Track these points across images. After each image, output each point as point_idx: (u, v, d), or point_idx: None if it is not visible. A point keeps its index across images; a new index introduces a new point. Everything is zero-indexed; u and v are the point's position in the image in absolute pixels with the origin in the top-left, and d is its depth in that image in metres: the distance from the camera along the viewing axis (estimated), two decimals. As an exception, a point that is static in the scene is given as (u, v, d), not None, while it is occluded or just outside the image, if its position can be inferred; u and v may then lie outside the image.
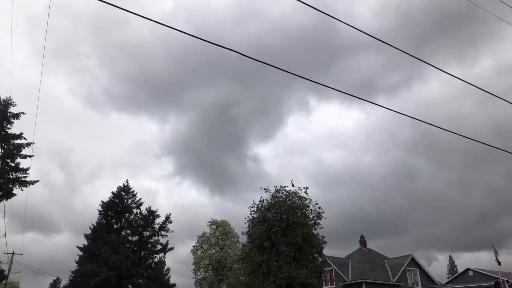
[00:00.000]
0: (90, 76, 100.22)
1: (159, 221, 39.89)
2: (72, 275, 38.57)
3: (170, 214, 40.28)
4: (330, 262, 37.36)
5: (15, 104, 29.21)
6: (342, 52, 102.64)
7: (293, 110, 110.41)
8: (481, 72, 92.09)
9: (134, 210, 40.46)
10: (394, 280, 35.59)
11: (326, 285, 36.14)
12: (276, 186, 26.20)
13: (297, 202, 25.49)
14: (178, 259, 72.09)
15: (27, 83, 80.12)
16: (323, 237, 25.42)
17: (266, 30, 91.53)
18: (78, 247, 37.68)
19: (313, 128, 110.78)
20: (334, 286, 37.34)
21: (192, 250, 46.86)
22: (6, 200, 28.45)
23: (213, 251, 45.72)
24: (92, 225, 38.44)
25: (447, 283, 47.33)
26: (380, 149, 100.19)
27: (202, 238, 46.79)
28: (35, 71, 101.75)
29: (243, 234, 26.23)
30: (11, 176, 28.37)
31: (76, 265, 37.79)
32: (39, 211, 74.00)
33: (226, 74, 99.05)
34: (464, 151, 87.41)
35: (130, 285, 35.22)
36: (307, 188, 25.91)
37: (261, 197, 26.23)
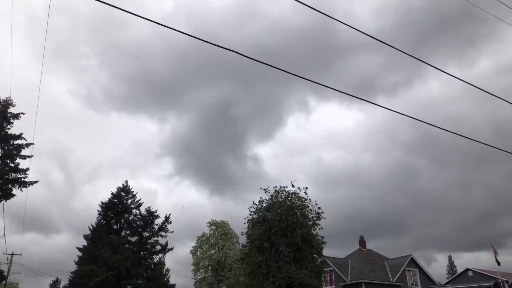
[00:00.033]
0: (90, 76, 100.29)
1: (158, 221, 39.92)
2: (71, 275, 38.52)
3: (169, 214, 40.33)
4: (330, 263, 37.36)
5: (14, 105, 29.22)
6: (342, 52, 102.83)
7: (293, 110, 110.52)
8: (480, 72, 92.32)
9: (134, 211, 40.46)
10: (394, 281, 35.60)
11: (325, 286, 36.14)
12: (276, 187, 26.21)
13: (297, 203, 25.48)
14: (178, 260, 72.16)
15: (27, 83, 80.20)
16: (322, 237, 25.41)
17: (266, 30, 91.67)
18: (77, 247, 37.65)
19: (313, 128, 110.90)
20: (333, 286, 37.35)
21: (191, 250, 46.86)
22: (6, 201, 28.43)
23: (212, 252, 45.72)
24: (92, 225, 38.42)
25: (447, 283, 47.35)
26: (380, 149, 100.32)
27: (202, 239, 46.78)
28: (35, 71, 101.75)
29: (242, 234, 26.22)
30: (10, 177, 28.34)
31: (76, 265, 37.74)
32: (39, 211, 73.99)
33: (226, 74, 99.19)
34: (464, 151, 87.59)
35: (130, 286, 35.21)
36: (306, 188, 25.93)
37: (260, 198, 26.22)
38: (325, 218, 25.54)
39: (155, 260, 39.43)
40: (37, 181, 29.51)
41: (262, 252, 23.29)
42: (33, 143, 28.85)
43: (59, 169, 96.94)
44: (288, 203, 25.06)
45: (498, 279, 38.29)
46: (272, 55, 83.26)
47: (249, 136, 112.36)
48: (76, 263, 37.82)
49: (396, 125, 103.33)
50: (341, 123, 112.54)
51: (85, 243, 37.59)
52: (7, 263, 40.56)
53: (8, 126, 28.62)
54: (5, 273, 38.43)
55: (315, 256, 24.86)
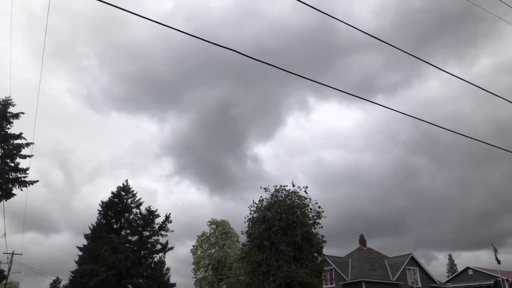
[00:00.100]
0: (90, 76, 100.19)
1: (158, 221, 40.00)
2: (72, 275, 38.62)
3: (169, 214, 40.40)
4: (330, 262, 37.38)
5: (14, 104, 29.25)
6: (342, 51, 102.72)
7: (292, 109, 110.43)
8: (480, 71, 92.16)
9: (134, 210, 40.53)
10: (394, 279, 35.62)
11: (325, 285, 36.18)
12: (276, 186, 26.28)
13: (297, 202, 25.53)
14: (178, 259, 72.23)
15: (27, 83, 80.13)
16: (322, 236, 25.47)
17: (266, 30, 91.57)
18: (78, 247, 37.73)
19: (313, 128, 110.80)
20: (334, 285, 37.37)
21: (192, 249, 46.94)
22: (6, 200, 28.45)
23: (213, 251, 45.79)
24: (92, 225, 38.47)
25: (447, 282, 47.41)
26: (380, 149, 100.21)
27: (202, 238, 46.85)
28: (35, 71, 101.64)
29: (242, 233, 26.30)
30: (10, 176, 28.37)
31: (76, 265, 37.82)
32: (39, 211, 73.98)
33: (226, 74, 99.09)
34: (464, 150, 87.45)
35: (130, 285, 35.24)
36: (306, 187, 25.99)
37: (260, 197, 26.30)
38: (325, 217, 25.63)
39: (156, 259, 39.52)
40: (37, 181, 29.55)
41: (262, 251, 23.33)
42: (33, 143, 28.90)
43: (59, 169, 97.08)
44: (288, 202, 25.11)
45: (498, 277, 38.32)
46: (272, 55, 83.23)
47: (249, 136, 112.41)
48: (76, 262, 37.90)
49: (396, 124, 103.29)
50: (341, 122, 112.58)
51: (85, 242, 37.65)
52: (8, 263, 40.58)
53: (8, 126, 28.65)
54: (6, 273, 38.49)
55: (315, 255, 24.92)
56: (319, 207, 25.63)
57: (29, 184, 28.73)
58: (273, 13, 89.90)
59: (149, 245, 39.21)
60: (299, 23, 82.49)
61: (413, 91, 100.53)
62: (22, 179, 28.63)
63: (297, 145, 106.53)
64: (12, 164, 28.51)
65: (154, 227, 39.61)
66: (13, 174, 28.46)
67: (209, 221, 47.37)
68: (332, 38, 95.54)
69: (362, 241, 43.43)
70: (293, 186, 25.98)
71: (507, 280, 38.08)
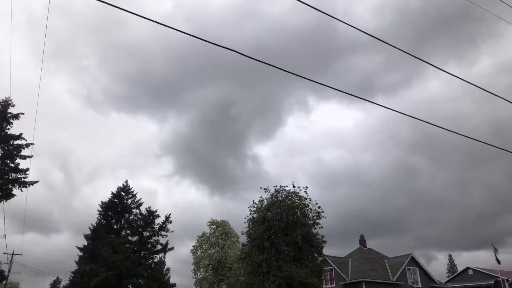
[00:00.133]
0: (90, 76, 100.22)
1: (159, 221, 40.00)
2: (72, 275, 38.57)
3: (170, 214, 40.42)
4: (330, 262, 37.39)
5: (14, 105, 29.28)
6: (342, 51, 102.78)
7: (292, 109, 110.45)
8: (480, 71, 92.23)
9: (134, 210, 40.54)
10: (394, 279, 35.62)
11: (326, 285, 36.19)
12: (276, 186, 26.26)
13: (297, 202, 25.53)
14: (178, 259, 72.19)
15: (27, 83, 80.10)
16: (322, 236, 25.46)
17: (266, 30, 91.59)
18: (78, 247, 37.71)
19: (313, 128, 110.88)
20: (334, 285, 37.38)
21: (192, 250, 46.96)
22: (6, 201, 28.46)
23: (213, 251, 45.81)
24: (92, 225, 38.47)
25: (447, 282, 47.41)
26: (380, 149, 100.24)
27: (202, 238, 46.87)
28: (35, 72, 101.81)
29: (243, 234, 26.28)
30: (10, 177, 28.39)
31: (76, 265, 37.79)
32: (39, 211, 73.95)
33: (226, 74, 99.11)
34: (463, 150, 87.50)
35: (130, 285, 35.22)
36: (306, 187, 25.98)
37: (260, 197, 26.28)
38: (325, 217, 25.61)
39: (156, 260, 39.52)
40: (37, 181, 29.59)
41: (262, 251, 23.32)
42: (33, 143, 28.93)
43: (59, 169, 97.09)
44: (288, 202, 25.10)
45: (498, 277, 38.28)
46: (272, 55, 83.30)
47: (249, 136, 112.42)
48: (76, 262, 37.87)
49: (395, 124, 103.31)
50: (341, 122, 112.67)
51: (85, 242, 37.64)
52: (8, 263, 40.57)
53: (8, 127, 28.67)
54: (6, 273, 38.46)
55: (316, 255, 24.90)
56: (319, 207, 25.66)
57: (29, 185, 28.75)
58: (273, 13, 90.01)
59: (149, 246, 39.21)
60: (299, 23, 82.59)
61: (413, 91, 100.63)
62: (22, 179, 28.65)
63: (297, 145, 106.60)
64: (12, 165, 28.52)
65: (154, 228, 39.61)
66: (13, 174, 28.48)
67: (209, 222, 47.42)
68: (332, 38, 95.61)
69: (362, 241, 43.45)
70: (294, 186, 26.02)
71: (507, 280, 38.05)
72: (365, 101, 9.51)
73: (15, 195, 28.51)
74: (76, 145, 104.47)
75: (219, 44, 7.13)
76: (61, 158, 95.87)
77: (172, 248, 40.18)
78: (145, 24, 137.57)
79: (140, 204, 40.76)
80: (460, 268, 56.08)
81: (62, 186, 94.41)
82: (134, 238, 39.12)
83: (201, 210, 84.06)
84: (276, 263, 22.70)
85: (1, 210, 32.08)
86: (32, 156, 29.06)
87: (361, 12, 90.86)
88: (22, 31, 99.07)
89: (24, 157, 28.76)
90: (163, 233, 39.54)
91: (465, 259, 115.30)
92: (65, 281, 46.59)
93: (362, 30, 8.21)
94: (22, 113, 29.11)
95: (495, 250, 35.65)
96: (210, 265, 44.96)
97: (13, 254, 41.59)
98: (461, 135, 10.57)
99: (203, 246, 46.57)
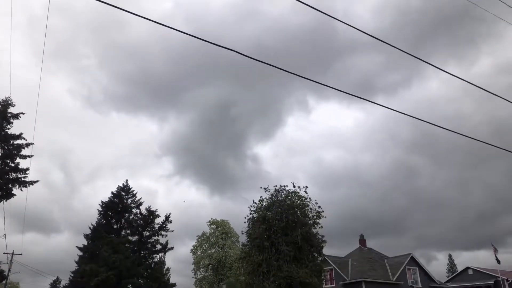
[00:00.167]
0: (90, 76, 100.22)
1: (158, 221, 40.00)
2: (72, 275, 38.58)
3: (169, 214, 40.41)
4: (330, 261, 37.39)
5: (14, 105, 29.29)
6: (341, 51, 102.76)
7: (292, 109, 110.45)
8: (480, 71, 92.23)
9: (134, 210, 40.56)
10: (394, 279, 35.62)
11: (326, 284, 36.18)
12: (276, 186, 26.27)
13: (297, 202, 25.53)
14: (178, 259, 72.17)
15: (27, 83, 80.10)
16: (322, 236, 25.45)
17: (266, 30, 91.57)
18: (78, 247, 37.73)
19: (313, 128, 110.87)
20: (334, 285, 37.38)
21: (192, 249, 46.97)
22: (6, 201, 28.47)
23: (213, 251, 45.80)
24: (92, 225, 38.47)
25: (447, 282, 47.41)
26: (380, 149, 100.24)
27: (202, 238, 46.87)
28: (35, 72, 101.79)
29: (242, 233, 26.27)
30: (10, 177, 28.40)
31: (76, 265, 37.80)
32: (39, 211, 73.98)
33: (226, 74, 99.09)
34: (463, 150, 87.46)
35: (130, 285, 35.24)
36: (306, 187, 25.98)
37: (260, 197, 26.28)
38: (325, 217, 25.62)
39: (156, 259, 39.53)
40: (37, 181, 29.60)
41: (262, 251, 23.32)
42: (33, 143, 28.95)
43: (59, 169, 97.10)
44: (288, 202, 25.10)
45: (498, 277, 38.31)
46: (272, 55, 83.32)
47: (249, 136, 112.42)
48: (76, 262, 37.88)
49: (395, 124, 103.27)
50: (341, 122, 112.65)
51: (85, 242, 37.65)
52: (8, 263, 40.57)
53: (8, 126, 28.69)
54: (6, 273, 38.46)
55: (315, 255, 24.90)
56: (319, 207, 25.66)
57: (29, 184, 28.76)
58: (273, 13, 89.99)
59: (149, 245, 39.21)
60: (299, 23, 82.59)
61: (413, 91, 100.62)
62: (22, 179, 28.66)
63: (297, 145, 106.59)
64: (12, 164, 28.54)
65: (154, 227, 39.62)
66: (13, 174, 28.49)
67: (209, 221, 47.41)
68: (332, 38, 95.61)
69: (362, 241, 43.45)
70: (294, 186, 26.02)
71: (507, 280, 38.07)
72: (365, 101, 9.51)
73: (15, 194, 28.54)
74: (76, 145, 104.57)
75: (219, 44, 7.14)
76: (61, 158, 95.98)
77: (172, 248, 40.23)
78: (145, 24, 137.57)
79: (140, 204, 40.79)
80: (460, 268, 56.10)
81: (62, 186, 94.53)
82: (134, 238, 39.13)
83: (201, 210, 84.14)
84: (276, 263, 22.70)
85: (1, 210, 32.10)
86: (32, 155, 29.11)
87: (361, 12, 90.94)
88: (22, 31, 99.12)
89: (24, 157, 28.79)
90: (163, 232, 39.57)
91: (465, 259, 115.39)
92: (65, 281, 46.70)
93: (362, 30, 8.22)
94: (22, 113, 29.14)
95: (495, 250, 35.66)
96: (210, 265, 44.97)
97: (13, 253, 41.61)
98: (461, 135, 10.59)
99: (203, 246, 46.57)
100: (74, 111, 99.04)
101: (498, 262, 35.44)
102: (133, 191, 41.34)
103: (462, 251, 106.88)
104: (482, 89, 10.25)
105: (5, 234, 35.77)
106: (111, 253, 34.48)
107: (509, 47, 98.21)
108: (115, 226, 39.29)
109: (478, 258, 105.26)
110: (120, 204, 39.85)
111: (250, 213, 25.86)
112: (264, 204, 25.77)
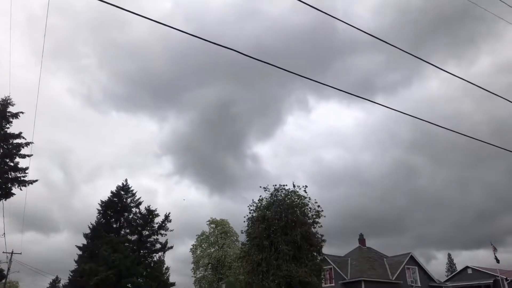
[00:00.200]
0: (90, 75, 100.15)
1: (158, 220, 39.97)
2: (71, 274, 38.60)
3: (169, 213, 40.37)
4: (329, 261, 37.44)
5: (14, 104, 29.30)
6: (341, 51, 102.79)
7: (292, 109, 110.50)
8: (480, 70, 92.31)
9: (133, 209, 40.50)
10: (393, 278, 35.67)
11: (325, 284, 36.24)
12: (275, 185, 26.26)
13: (296, 201, 25.52)
14: (178, 258, 72.14)
15: (26, 82, 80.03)
16: (322, 235, 25.45)
17: (266, 30, 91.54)
18: (77, 246, 37.70)
19: (313, 127, 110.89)
20: (333, 284, 37.43)
21: (191, 249, 46.99)
22: (5, 200, 28.45)
23: (212, 250, 45.81)
24: (92, 224, 38.45)
25: (446, 281, 47.50)
26: (380, 148, 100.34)
27: (202, 237, 46.88)
28: (34, 71, 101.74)
29: (242, 233, 26.26)
30: (10, 176, 28.39)
31: (76, 264, 37.80)
32: (38, 210, 73.98)
33: (226, 73, 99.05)
34: (463, 149, 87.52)
35: (130, 284, 35.23)
36: (306, 186, 25.97)
37: (260, 196, 26.27)
38: (324, 216, 25.61)
39: (155, 259, 39.52)
40: (36, 180, 29.60)
41: (261, 250, 23.33)
42: (33, 142, 28.93)
43: (58, 168, 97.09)
44: (288, 201, 25.10)
45: (498, 276, 38.43)
46: (272, 54, 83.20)
47: (249, 135, 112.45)
48: (76, 261, 37.88)
49: (395, 123, 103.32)
50: (341, 122, 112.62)
51: (85, 241, 37.63)
52: (7, 262, 40.58)
53: (8, 125, 28.70)
54: (5, 272, 38.46)
55: (315, 254, 24.90)
56: (318, 206, 25.65)
57: (28, 184, 28.75)
58: (273, 13, 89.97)
59: (148, 244, 39.19)
60: (299, 23, 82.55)
61: (413, 91, 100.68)
62: (22, 178, 28.65)
63: (297, 144, 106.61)
64: (12, 164, 28.52)
65: (153, 227, 39.60)
66: (12, 173, 28.48)
67: (209, 221, 47.42)
68: (331, 38, 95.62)
69: (362, 240, 43.49)
70: (293, 186, 26.03)
71: (506, 279, 38.18)
72: (365, 100, 9.51)
73: (14, 194, 28.53)
74: (75, 144, 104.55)
75: (219, 44, 7.13)
76: (60, 157, 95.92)
77: (171, 247, 40.22)
78: (145, 24, 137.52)
79: (140, 203, 40.76)
80: (459, 267, 56.19)
81: (62, 185, 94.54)
82: (134, 237, 39.11)
83: (201, 209, 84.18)
84: (276, 262, 22.71)
85: (0, 209, 32.08)
86: (32, 155, 29.11)
87: (361, 12, 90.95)
88: (22, 30, 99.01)
89: (24, 156, 28.78)
90: (162, 232, 39.54)
91: (464, 258, 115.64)
92: (64, 280, 46.78)
93: (362, 30, 8.22)
94: (22, 112, 29.14)
95: (494, 249, 35.76)
96: (210, 264, 44.99)
97: (12, 253, 41.63)
98: (461, 134, 10.60)
99: (203, 245, 46.58)
100: (74, 111, 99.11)
101: (497, 261, 35.55)
102: (132, 190, 41.33)
103: (462, 250, 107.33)
104: (482, 88, 10.26)
105: (4, 233, 35.80)
106: (111, 252, 34.47)
107: (509, 46, 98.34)
108: (114, 226, 39.27)
109: (477, 258, 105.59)
110: (119, 204, 39.82)
111: (250, 213, 25.88)
112: (264, 203, 25.77)
